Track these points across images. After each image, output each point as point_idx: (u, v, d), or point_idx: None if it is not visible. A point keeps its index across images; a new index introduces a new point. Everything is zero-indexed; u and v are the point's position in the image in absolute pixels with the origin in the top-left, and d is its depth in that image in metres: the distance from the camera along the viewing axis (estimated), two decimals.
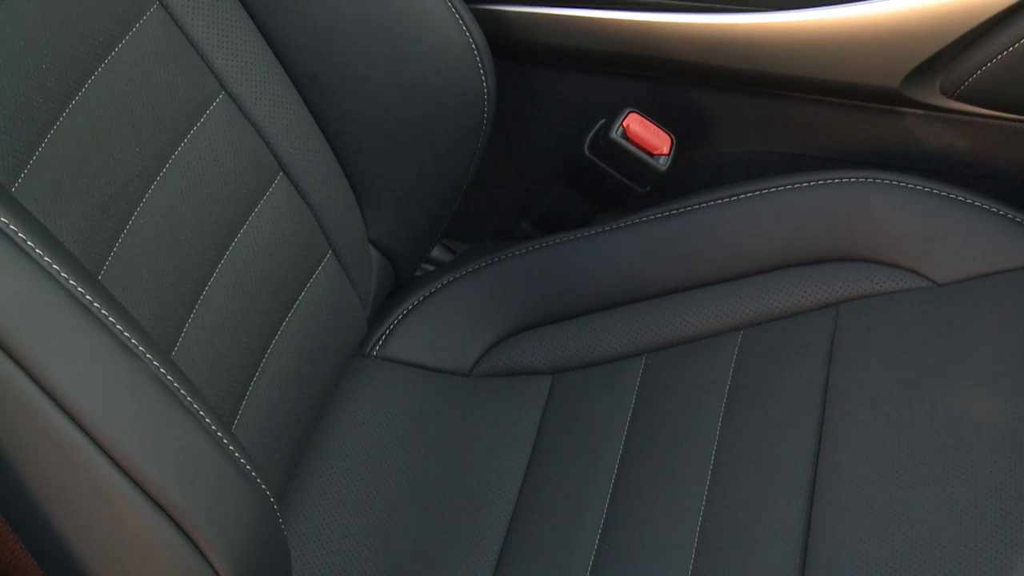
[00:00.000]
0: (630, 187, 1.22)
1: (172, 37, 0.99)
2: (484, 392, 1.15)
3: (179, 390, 0.77)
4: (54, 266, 0.73)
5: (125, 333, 0.75)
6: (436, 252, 1.33)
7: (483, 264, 1.20)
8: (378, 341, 1.18)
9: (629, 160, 1.19)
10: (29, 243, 0.73)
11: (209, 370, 0.95)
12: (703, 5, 1.15)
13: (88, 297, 0.74)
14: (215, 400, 0.95)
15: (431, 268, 1.29)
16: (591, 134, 1.21)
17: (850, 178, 1.13)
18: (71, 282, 0.74)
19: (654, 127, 1.19)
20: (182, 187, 0.97)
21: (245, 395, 0.99)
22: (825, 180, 1.13)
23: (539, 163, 1.33)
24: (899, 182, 1.12)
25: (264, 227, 1.04)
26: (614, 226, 1.18)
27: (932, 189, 1.11)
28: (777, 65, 1.17)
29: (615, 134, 1.18)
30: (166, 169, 0.96)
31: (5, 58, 0.85)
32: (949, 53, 1.12)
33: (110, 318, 0.75)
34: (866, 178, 1.12)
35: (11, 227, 0.72)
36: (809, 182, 1.13)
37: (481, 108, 1.13)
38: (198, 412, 0.78)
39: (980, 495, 0.93)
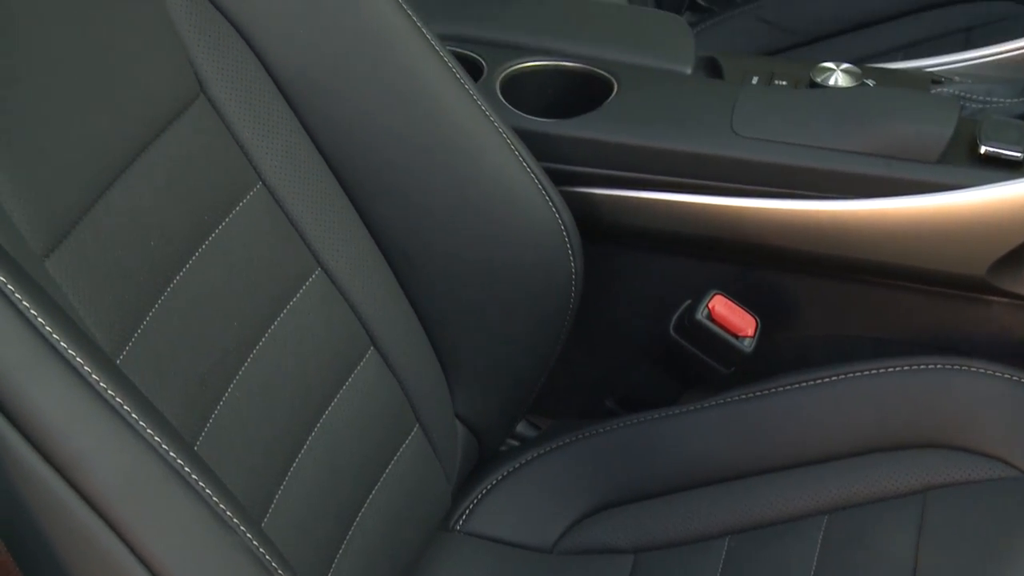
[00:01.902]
0: (715, 368, 1.23)
1: (273, 215, 1.02)
2: (565, 570, 1.15)
3: (271, 563, 0.78)
4: (156, 438, 0.76)
5: (221, 505, 0.77)
6: (521, 427, 1.34)
7: (568, 441, 1.21)
8: (462, 515, 1.19)
9: (714, 341, 1.21)
10: (134, 415, 0.75)
11: (297, 542, 0.97)
12: (789, 192, 1.17)
13: (187, 469, 0.76)
14: (303, 573, 0.96)
15: (516, 443, 1.30)
16: (677, 314, 1.23)
17: (935, 364, 1.13)
18: (171, 454, 0.76)
19: (739, 309, 1.21)
20: (277, 360, 1.00)
21: (331, 567, 1.00)
22: (910, 366, 1.13)
23: (625, 342, 1.35)
24: (985, 370, 1.12)
25: (354, 400, 1.06)
26: (699, 406, 1.19)
27: (1019, 378, 1.11)
28: (861, 251, 1.19)
29: (701, 315, 1.20)
30: (262, 342, 0.99)
31: (115, 235, 0.88)
32: None
33: (207, 490, 0.77)
34: (952, 365, 1.13)
35: (117, 400, 0.75)
36: (894, 367, 1.14)
37: (569, 287, 1.16)
38: None
39: None
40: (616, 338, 1.35)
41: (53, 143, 0.85)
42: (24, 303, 0.73)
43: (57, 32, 0.86)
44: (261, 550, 0.78)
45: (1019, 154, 1.14)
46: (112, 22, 0.91)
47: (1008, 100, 1.27)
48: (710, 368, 1.23)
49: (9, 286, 0.73)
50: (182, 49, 0.98)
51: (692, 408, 1.19)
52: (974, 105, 1.26)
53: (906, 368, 1.14)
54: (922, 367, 1.13)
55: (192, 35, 0.99)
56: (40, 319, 0.73)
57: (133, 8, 0.94)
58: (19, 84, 0.83)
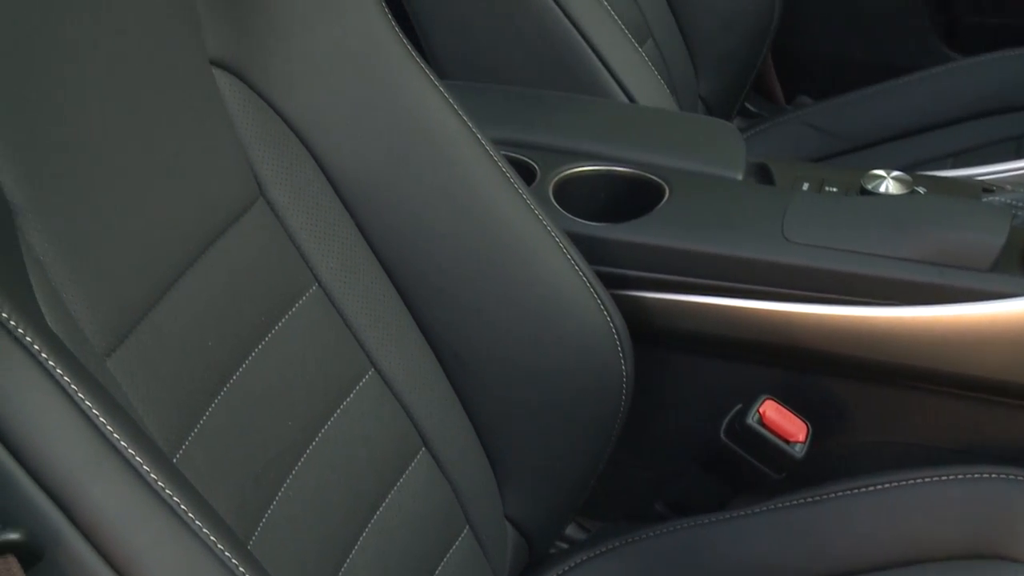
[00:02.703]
0: (765, 473, 1.23)
1: (328, 316, 1.04)
2: None
3: None
4: (211, 537, 0.76)
5: None
6: (571, 530, 1.34)
7: (617, 544, 1.21)
8: None
9: (765, 446, 1.20)
10: (190, 514, 0.76)
11: None
12: (840, 298, 1.18)
13: (241, 569, 0.77)
14: None
15: (565, 546, 1.30)
16: (727, 419, 1.23)
17: (989, 474, 1.12)
18: (226, 553, 0.76)
19: (790, 414, 1.20)
20: (330, 460, 1.00)
21: None
22: (964, 475, 1.13)
23: (675, 445, 1.35)
24: None
25: (405, 501, 1.06)
26: (749, 512, 1.18)
27: None
28: (913, 358, 1.18)
29: (751, 420, 1.20)
30: (316, 442, 1.00)
31: (175, 335, 0.90)
32: None
33: None
34: (1006, 474, 1.12)
35: (174, 499, 0.75)
36: (947, 476, 1.13)
37: (619, 390, 1.16)
38: None
39: None
40: (666, 441, 1.35)
41: (115, 244, 0.87)
42: (86, 402, 0.74)
43: (120, 133, 0.88)
44: None
45: None
46: (175, 124, 0.94)
47: None
48: (761, 473, 1.23)
49: (72, 386, 0.74)
50: (242, 151, 1.00)
51: (742, 513, 1.18)
52: None
53: (960, 477, 1.13)
54: (976, 476, 1.12)
55: (252, 138, 1.01)
56: (101, 418, 0.74)
57: (195, 110, 0.96)
58: (83, 185, 0.85)
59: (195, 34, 0.97)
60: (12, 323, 0.73)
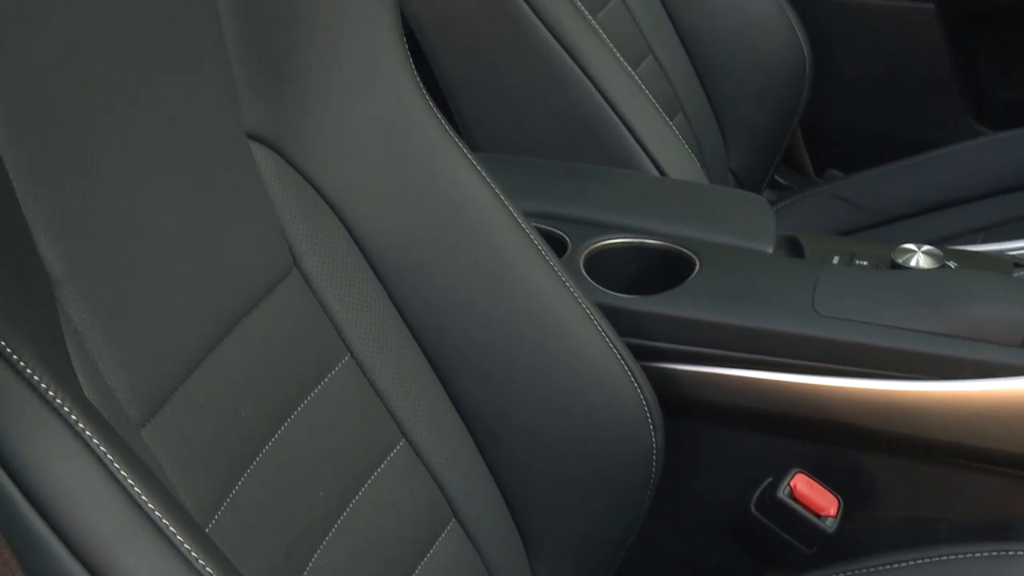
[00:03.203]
0: (797, 547, 1.22)
1: (360, 387, 1.04)
2: None
3: None
4: None
5: None
6: None
7: None
8: None
9: (796, 520, 1.20)
10: None
11: None
12: (871, 371, 1.18)
13: None
14: None
15: None
16: (758, 492, 1.22)
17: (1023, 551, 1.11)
18: None
19: (821, 488, 1.20)
20: (361, 530, 1.01)
21: None
22: (996, 552, 1.12)
23: (705, 518, 1.34)
24: None
25: (435, 573, 1.06)
26: None
27: None
28: (944, 432, 1.18)
29: (782, 494, 1.19)
30: (347, 513, 1.00)
31: (208, 406, 0.91)
32: None
33: None
34: None
35: (208, 569, 0.76)
36: (980, 553, 1.12)
37: (650, 462, 1.16)
38: None
39: None
40: (697, 515, 1.35)
41: (152, 315, 0.88)
42: (122, 472, 0.75)
43: (159, 207, 0.89)
44: None
45: None
46: (213, 196, 0.95)
47: None
48: (791, 547, 1.22)
49: (108, 455, 0.75)
50: (277, 223, 1.01)
51: None
52: None
53: (995, 554, 1.12)
54: (1009, 553, 1.12)
55: (287, 210, 1.02)
56: (136, 488, 0.75)
57: (233, 183, 0.97)
58: (121, 257, 0.86)
59: (233, 108, 0.98)
60: (50, 393, 0.74)
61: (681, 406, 1.24)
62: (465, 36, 1.53)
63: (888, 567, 1.15)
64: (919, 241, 1.28)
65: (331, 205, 1.05)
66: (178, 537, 0.75)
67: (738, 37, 1.79)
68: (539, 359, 1.11)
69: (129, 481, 0.75)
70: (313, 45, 1.03)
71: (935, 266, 1.26)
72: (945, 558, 1.13)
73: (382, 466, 1.04)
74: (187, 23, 0.93)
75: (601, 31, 1.52)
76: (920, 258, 1.26)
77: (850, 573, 1.16)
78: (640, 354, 1.17)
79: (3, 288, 0.73)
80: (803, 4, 1.85)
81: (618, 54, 1.53)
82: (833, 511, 1.20)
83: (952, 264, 1.26)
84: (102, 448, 0.74)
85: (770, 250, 1.29)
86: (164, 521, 0.75)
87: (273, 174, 1.01)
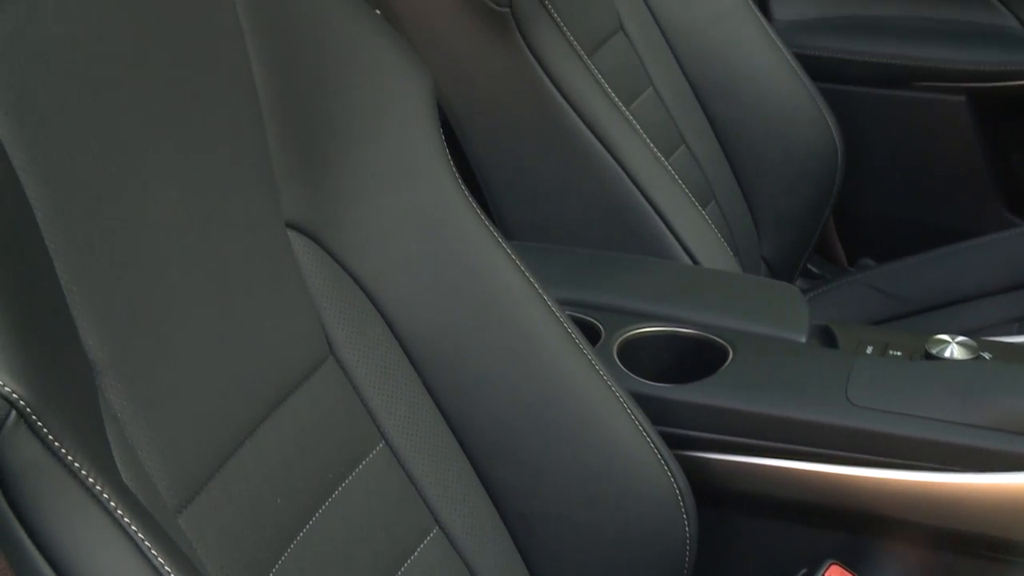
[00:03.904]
0: None
1: (394, 473, 1.05)
2: None
3: None
4: None
5: None
6: None
7: None
8: None
9: None
10: None
11: None
12: (905, 463, 1.17)
13: None
14: None
15: None
16: None
17: None
18: None
19: None
20: None
21: None
22: None
23: None
24: None
25: None
26: None
27: None
28: (979, 525, 1.17)
29: None
30: None
31: (244, 493, 0.91)
32: None
33: None
34: None
35: None
36: None
37: (683, 552, 1.16)
38: None
39: None
40: None
41: (190, 402, 0.89)
42: (159, 559, 0.75)
43: (198, 295, 0.91)
44: None
45: None
46: (252, 284, 0.96)
47: None
48: None
49: (146, 542, 0.75)
50: (314, 311, 1.02)
51: None
52: None
53: None
54: None
55: (324, 298, 1.03)
56: (173, 575, 0.75)
57: (271, 271, 0.99)
58: (161, 345, 0.87)
59: (272, 198, 1.00)
60: (90, 480, 0.74)
61: (715, 495, 1.24)
62: (500, 124, 1.54)
63: None
64: (953, 332, 1.28)
65: (367, 293, 1.06)
66: None
67: (770, 127, 1.80)
68: (572, 447, 1.11)
69: (167, 568, 0.75)
70: (351, 136, 1.04)
71: (969, 357, 1.25)
72: None
73: (416, 553, 1.04)
74: (229, 114, 0.95)
75: (634, 121, 1.53)
76: (954, 349, 1.26)
77: None
78: (673, 443, 1.17)
79: (45, 374, 0.74)
80: (834, 94, 1.87)
81: (651, 144, 1.54)
82: None
83: (986, 355, 1.25)
84: (140, 535, 0.75)
85: (803, 339, 1.30)
86: None
87: (311, 262, 1.03)
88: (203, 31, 0.94)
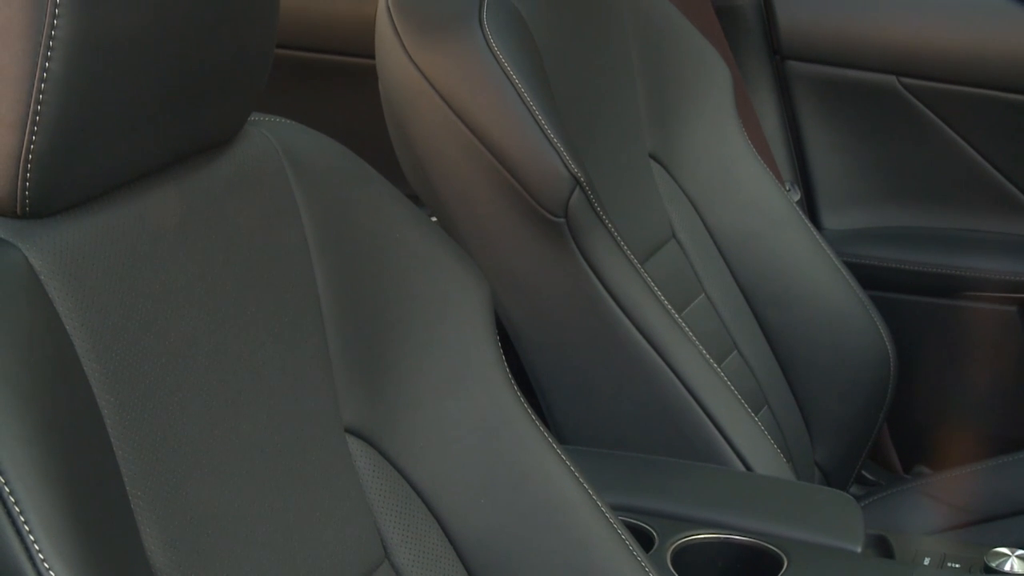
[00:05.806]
0: None
1: None
2: None
3: None
4: None
5: None
6: None
7: None
8: None
9: None
10: None
11: None
12: None
13: None
14: None
15: None
16: None
17: None
18: None
19: None
20: None
21: None
22: None
23: None
24: None
25: None
26: None
27: None
28: None
29: None
30: None
31: None
32: None
33: None
34: None
35: None
36: None
37: None
38: None
39: None
40: None
41: None
42: None
43: (257, 502, 0.92)
44: None
45: None
46: (310, 490, 0.97)
47: None
48: None
49: None
50: (371, 515, 1.03)
51: None
52: None
53: None
54: None
55: (380, 503, 1.04)
56: None
57: (329, 476, 1.00)
58: (220, 552, 0.88)
59: (332, 403, 1.01)
60: None
61: None
62: (554, 330, 1.56)
63: None
64: (1012, 544, 1.27)
65: (424, 499, 1.07)
66: None
67: (822, 334, 1.81)
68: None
69: None
70: (409, 343, 1.06)
71: None
72: None
73: None
74: (292, 323, 0.98)
75: (687, 328, 1.55)
76: (1015, 563, 1.24)
77: None
78: None
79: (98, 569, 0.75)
80: (885, 302, 1.88)
81: (703, 350, 1.56)
82: None
83: None
84: None
85: (859, 549, 1.28)
86: None
87: (368, 467, 1.04)
88: (271, 249, 0.98)
